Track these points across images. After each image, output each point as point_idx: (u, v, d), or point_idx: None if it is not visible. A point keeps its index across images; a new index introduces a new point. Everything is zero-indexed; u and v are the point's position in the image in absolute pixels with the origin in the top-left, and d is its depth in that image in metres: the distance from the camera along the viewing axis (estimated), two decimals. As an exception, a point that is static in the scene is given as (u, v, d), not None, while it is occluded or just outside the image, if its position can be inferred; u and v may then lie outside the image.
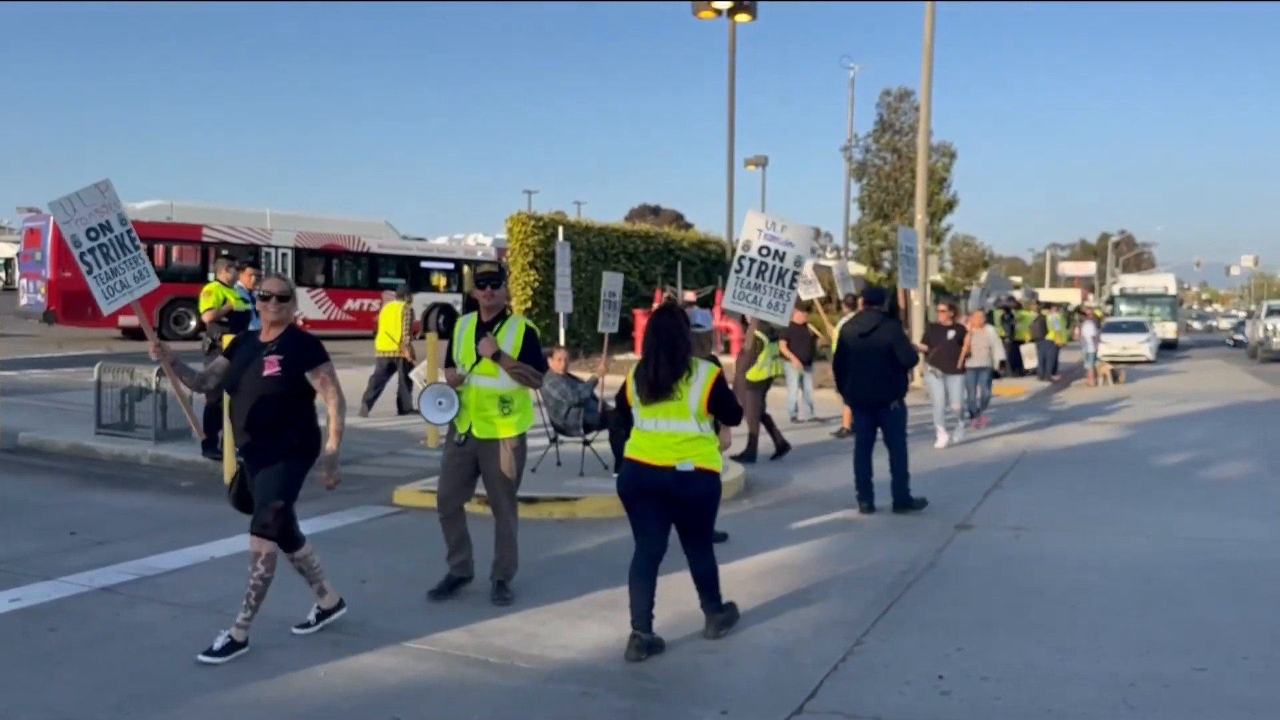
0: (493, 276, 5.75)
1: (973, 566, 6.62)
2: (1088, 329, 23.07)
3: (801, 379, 13.96)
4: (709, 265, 27.30)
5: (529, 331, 5.68)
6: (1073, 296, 62.06)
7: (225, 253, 23.45)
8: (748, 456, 10.36)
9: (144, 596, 5.69)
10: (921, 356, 11.76)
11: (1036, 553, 6.98)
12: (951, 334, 12.33)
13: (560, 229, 20.45)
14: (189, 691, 4.36)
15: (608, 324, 10.52)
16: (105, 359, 11.31)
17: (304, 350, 4.90)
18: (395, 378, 13.31)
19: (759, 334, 10.56)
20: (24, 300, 25.97)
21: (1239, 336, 44.49)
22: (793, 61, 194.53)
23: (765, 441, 10.81)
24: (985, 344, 13.57)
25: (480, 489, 5.79)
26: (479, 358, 5.55)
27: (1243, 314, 68.50)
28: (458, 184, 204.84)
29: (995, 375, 14.25)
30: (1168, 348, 37.39)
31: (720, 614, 5.17)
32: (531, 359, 5.63)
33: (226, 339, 6.49)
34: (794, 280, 6.33)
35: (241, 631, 4.75)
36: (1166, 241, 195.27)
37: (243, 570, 4.84)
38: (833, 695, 4.43)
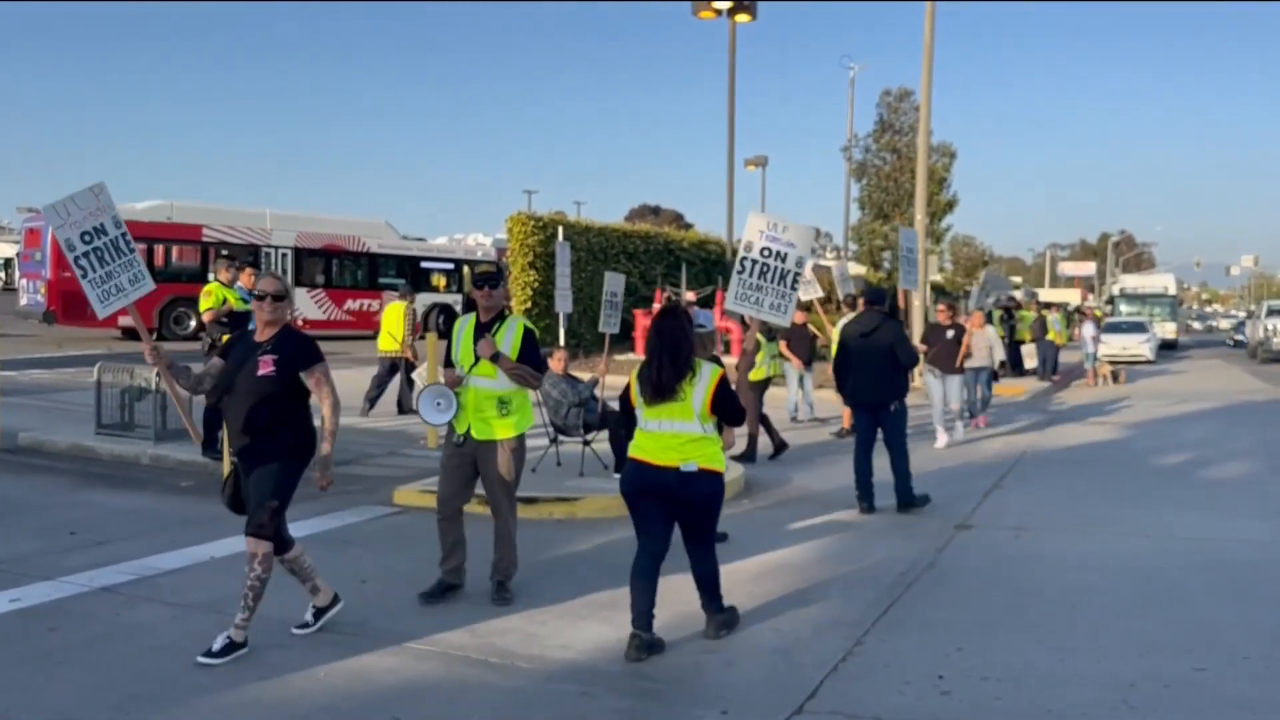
0: (491, 277, 5.74)
1: (973, 566, 6.62)
2: (1088, 329, 23.07)
3: (801, 379, 13.96)
4: (709, 265, 27.31)
5: (527, 332, 5.68)
6: (1072, 297, 62.06)
7: (225, 253, 23.46)
8: (747, 457, 10.36)
9: (144, 596, 5.69)
10: (921, 356, 11.76)
11: (1036, 553, 6.98)
12: (950, 334, 12.33)
13: (560, 229, 20.45)
14: (189, 692, 4.36)
15: (609, 324, 10.52)
16: (105, 359, 11.32)
17: (299, 350, 4.88)
18: (397, 378, 13.31)
19: (756, 334, 10.56)
20: (24, 300, 25.97)
21: (1239, 337, 44.50)
22: (793, 61, 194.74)
23: (764, 441, 10.80)
24: (985, 344, 13.58)
25: (480, 489, 5.79)
26: (477, 359, 5.54)
27: (1243, 314, 68.51)
28: (458, 184, 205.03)
29: (995, 375, 14.24)
30: (1167, 348, 37.39)
31: (721, 614, 5.17)
32: (530, 360, 5.62)
33: (226, 339, 6.48)
34: (796, 281, 6.33)
35: (240, 632, 4.74)
36: (1166, 241, 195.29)
37: (242, 570, 4.83)
38: (833, 695, 4.43)
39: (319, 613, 5.12)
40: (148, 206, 26.94)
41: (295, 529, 7.04)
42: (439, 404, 5.60)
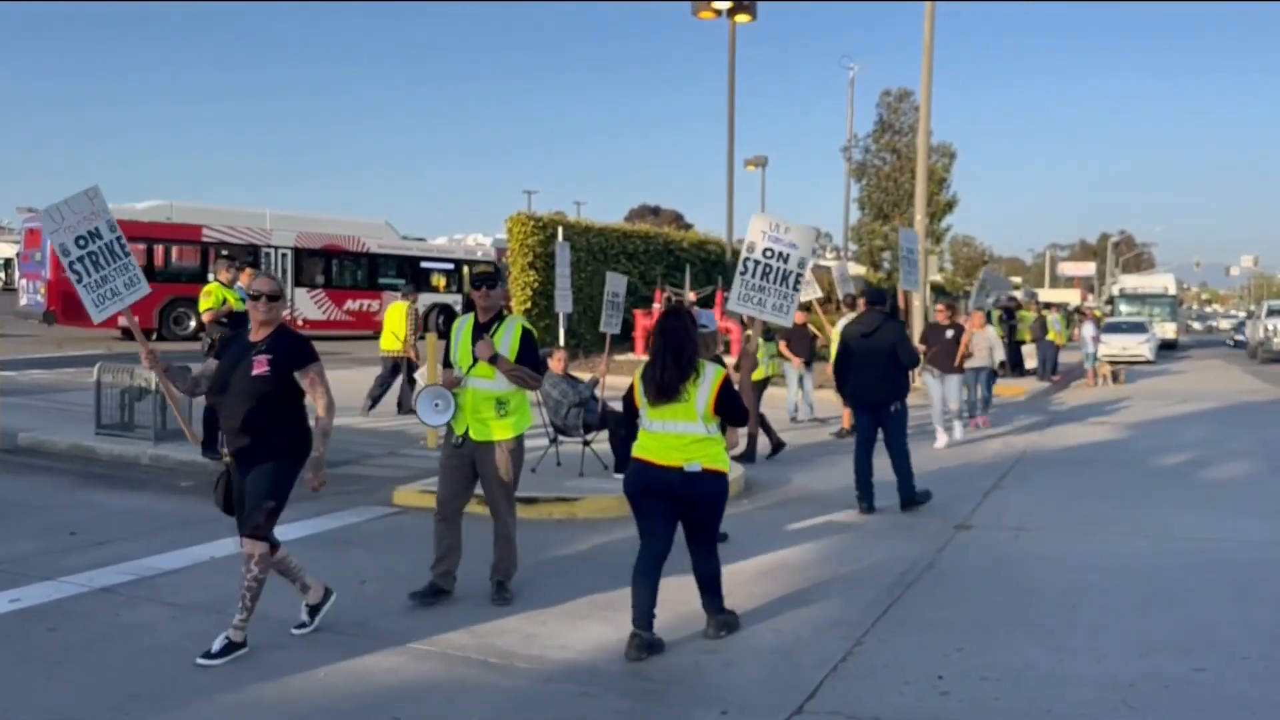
0: (488, 277, 5.73)
1: (973, 567, 6.62)
2: (1087, 329, 23.07)
3: (801, 379, 13.96)
4: (709, 266, 27.30)
5: (526, 333, 5.67)
6: (1072, 297, 62.05)
7: (225, 253, 23.44)
8: (747, 457, 10.36)
9: (144, 597, 5.69)
10: (920, 357, 11.77)
11: (1036, 553, 6.98)
12: (950, 334, 12.34)
13: (560, 229, 20.45)
14: (188, 692, 4.36)
15: (610, 324, 10.52)
16: (105, 359, 11.31)
17: (293, 350, 4.86)
18: (400, 378, 13.32)
19: (752, 333, 10.58)
20: (24, 300, 25.98)
21: (1239, 337, 44.50)
22: (793, 61, 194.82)
23: (763, 441, 10.80)
24: (986, 344, 13.58)
25: (479, 490, 5.79)
26: (475, 360, 5.54)
27: (1243, 314, 68.52)
28: (458, 184, 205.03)
29: (995, 375, 14.24)
30: (1167, 348, 37.40)
31: (722, 615, 5.18)
32: (529, 361, 5.62)
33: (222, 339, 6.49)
34: (798, 282, 6.35)
35: (239, 633, 4.74)
36: (1166, 241, 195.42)
37: (242, 571, 4.83)
38: (832, 695, 4.43)
39: (314, 610, 5.11)
40: (148, 206, 26.94)
41: (295, 529, 7.08)
42: (437, 405, 5.60)
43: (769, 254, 6.31)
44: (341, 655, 4.78)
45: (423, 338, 12.84)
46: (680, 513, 5.02)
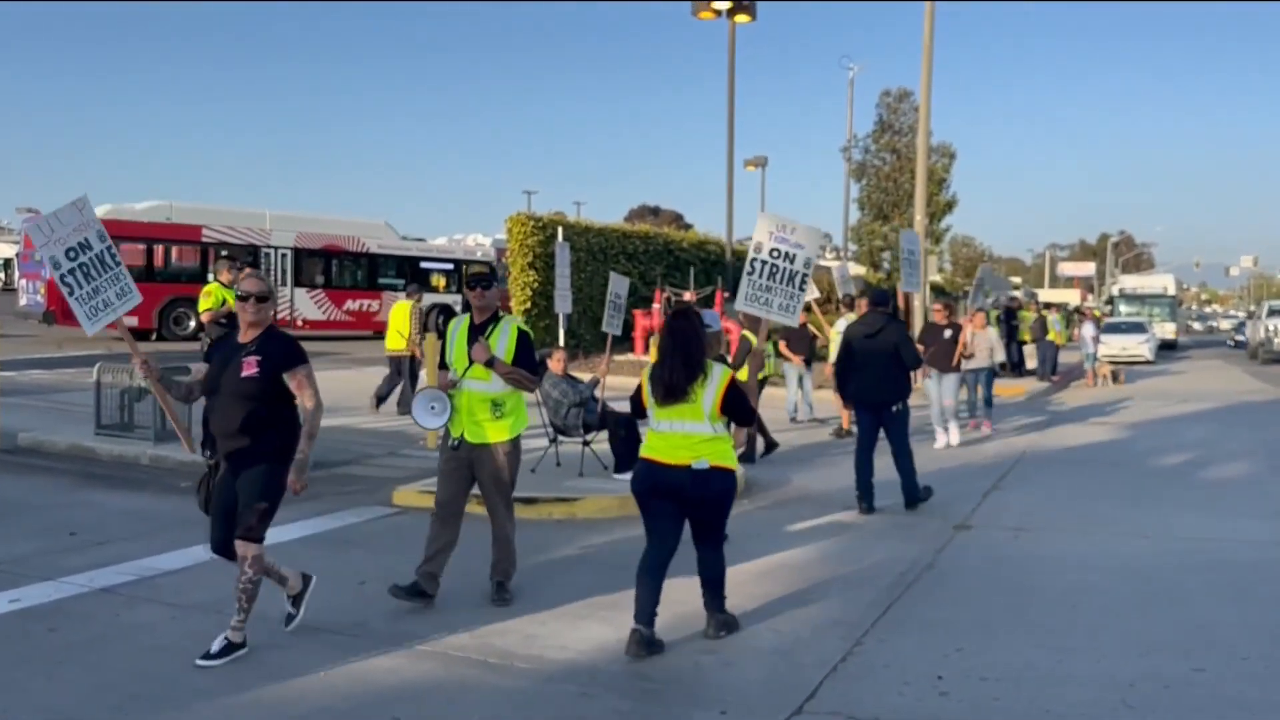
0: (484, 278, 5.71)
1: (972, 567, 6.62)
2: (1087, 329, 23.07)
3: (801, 379, 13.96)
4: (709, 266, 27.28)
5: (522, 334, 5.65)
6: (1072, 297, 62.07)
7: (225, 254, 23.47)
8: (746, 457, 10.36)
9: (143, 597, 5.69)
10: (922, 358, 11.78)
11: (1036, 553, 6.98)
12: (947, 333, 12.36)
13: (560, 229, 20.44)
14: (188, 692, 4.36)
15: (612, 325, 10.52)
16: (105, 359, 11.31)
17: (282, 351, 4.82)
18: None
19: (747, 333, 10.59)
20: (24, 300, 25.99)
21: (1240, 337, 44.49)
22: (792, 62, 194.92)
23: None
24: (986, 345, 13.58)
25: (477, 491, 5.77)
26: (471, 362, 5.52)
27: (1243, 314, 68.51)
28: (458, 184, 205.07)
29: (994, 375, 14.24)
30: (1167, 348, 37.39)
31: (723, 614, 5.19)
32: (525, 363, 5.60)
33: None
34: (804, 282, 6.37)
35: (238, 633, 4.74)
36: (1166, 242, 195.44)
37: (242, 571, 4.83)
38: (832, 696, 4.43)
39: (296, 599, 5.06)
40: (147, 206, 26.94)
41: (295, 529, 7.09)
42: (433, 408, 5.58)
43: (775, 254, 6.32)
44: (341, 655, 4.78)
45: (422, 338, 12.88)
46: (688, 512, 5.04)
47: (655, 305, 21.93)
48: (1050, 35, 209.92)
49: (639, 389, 5.23)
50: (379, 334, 27.92)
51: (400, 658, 4.81)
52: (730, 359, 9.62)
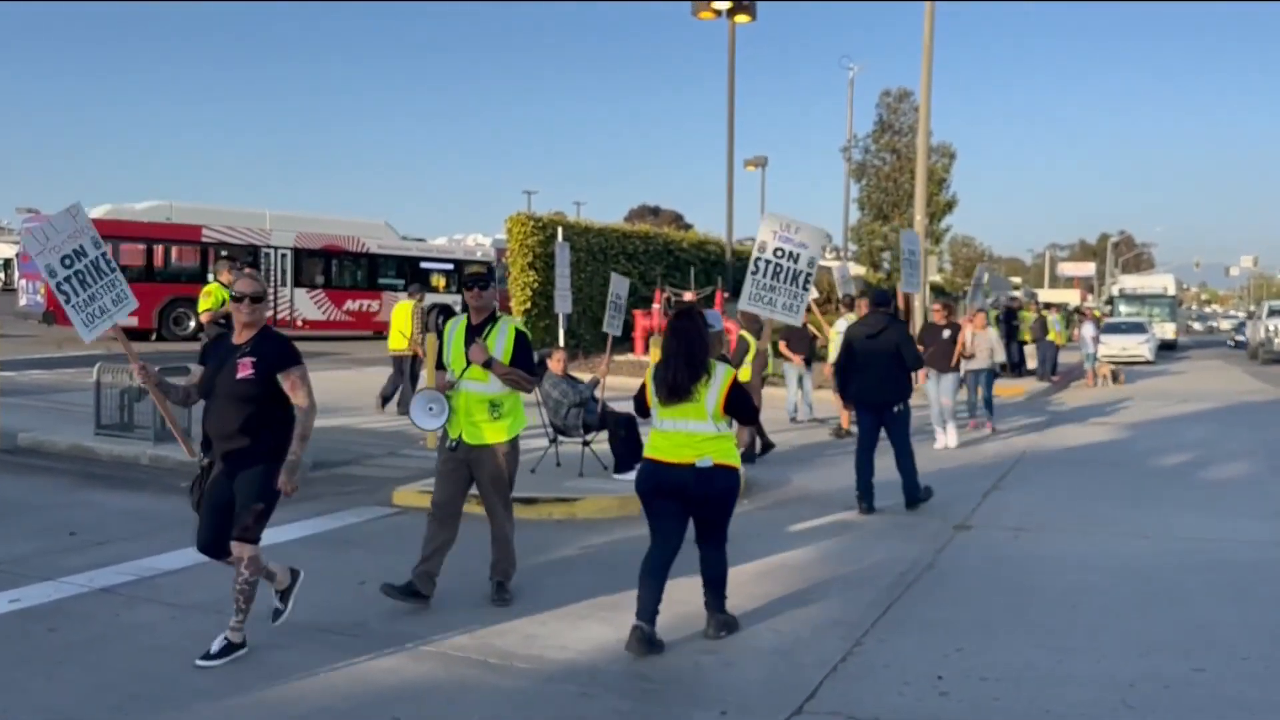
0: (481, 278, 5.70)
1: (972, 567, 6.62)
2: (1087, 329, 23.07)
3: (801, 379, 13.96)
4: (709, 266, 27.29)
5: (519, 335, 5.63)
6: (1072, 297, 62.09)
7: (225, 254, 23.48)
8: (746, 456, 10.35)
9: (143, 597, 5.69)
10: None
11: (1036, 553, 6.98)
12: (946, 333, 12.38)
13: (560, 229, 20.43)
14: (188, 692, 4.36)
15: (612, 325, 10.53)
16: (105, 359, 11.31)
17: (276, 352, 4.81)
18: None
19: (744, 333, 10.59)
20: (23, 300, 26.00)
21: (1240, 338, 44.47)
22: (792, 62, 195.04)
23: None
24: (987, 345, 13.58)
25: (475, 490, 5.76)
26: (468, 363, 5.51)
27: (1243, 315, 68.50)
28: (458, 184, 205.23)
29: (995, 376, 14.24)
30: (1167, 348, 37.39)
31: (723, 615, 5.19)
32: (523, 363, 5.58)
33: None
34: (808, 281, 6.38)
35: (237, 633, 4.74)
36: (1166, 242, 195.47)
37: (242, 571, 4.83)
38: (832, 696, 4.43)
39: (284, 595, 5.04)
40: (147, 207, 26.95)
41: (294, 529, 7.09)
42: (431, 409, 5.56)
43: (780, 253, 6.33)
44: (341, 655, 4.78)
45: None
46: (691, 511, 5.05)
47: (655, 305, 21.92)
48: (1050, 35, 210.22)
49: (642, 388, 5.25)
50: (379, 334, 28.03)
51: (400, 658, 4.81)
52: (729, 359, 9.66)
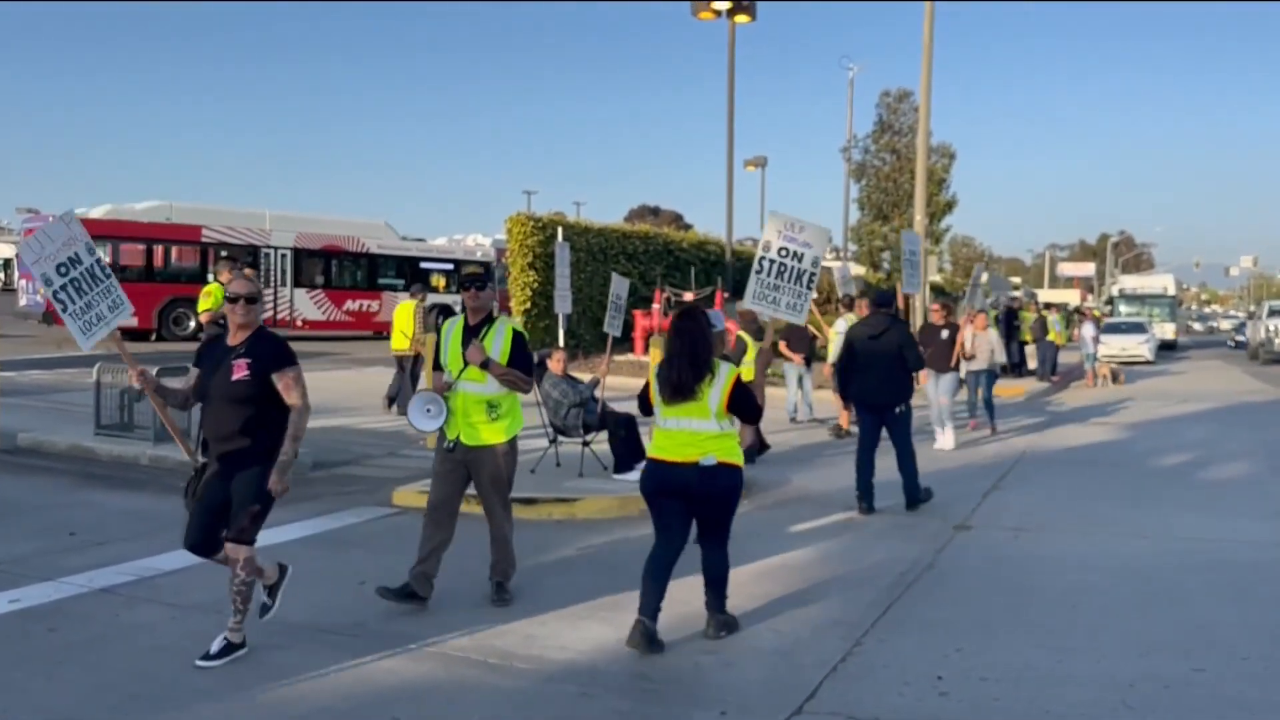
0: (477, 278, 5.68)
1: (972, 567, 6.62)
2: (1087, 330, 23.06)
3: (800, 379, 13.96)
4: (709, 266, 27.29)
5: (517, 336, 5.62)
6: (1072, 297, 62.08)
7: (225, 254, 23.48)
8: (746, 456, 10.35)
9: (143, 597, 5.69)
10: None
11: (1036, 553, 6.98)
12: (945, 334, 12.39)
13: (559, 229, 20.43)
14: (188, 692, 4.36)
15: (612, 326, 10.53)
16: (104, 359, 11.30)
17: (271, 352, 4.80)
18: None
19: (742, 334, 10.58)
20: (23, 301, 26.00)
21: (1240, 338, 44.45)
22: (792, 62, 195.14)
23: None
24: (988, 346, 13.58)
25: (472, 490, 5.75)
26: (466, 364, 5.50)
27: (1243, 315, 68.50)
28: (457, 184, 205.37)
29: (995, 377, 14.23)
30: (1167, 348, 37.38)
31: (723, 615, 5.19)
32: (520, 364, 5.57)
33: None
34: (811, 281, 6.38)
35: (236, 634, 4.74)
36: (1166, 242, 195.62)
37: (242, 571, 4.83)
38: (832, 696, 4.43)
39: (271, 590, 5.03)
40: (147, 207, 26.95)
41: (294, 529, 7.09)
42: (429, 410, 5.55)
43: (784, 253, 6.34)
44: (341, 655, 4.78)
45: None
46: (695, 510, 5.06)
47: (655, 305, 21.92)
48: (1050, 35, 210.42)
49: (646, 387, 5.28)
50: (379, 334, 28.05)
51: (400, 658, 4.81)
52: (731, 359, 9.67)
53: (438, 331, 5.87)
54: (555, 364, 9.38)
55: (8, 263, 51.66)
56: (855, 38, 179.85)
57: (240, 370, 4.70)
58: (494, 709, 4.29)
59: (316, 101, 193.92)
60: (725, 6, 22.48)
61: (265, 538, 4.91)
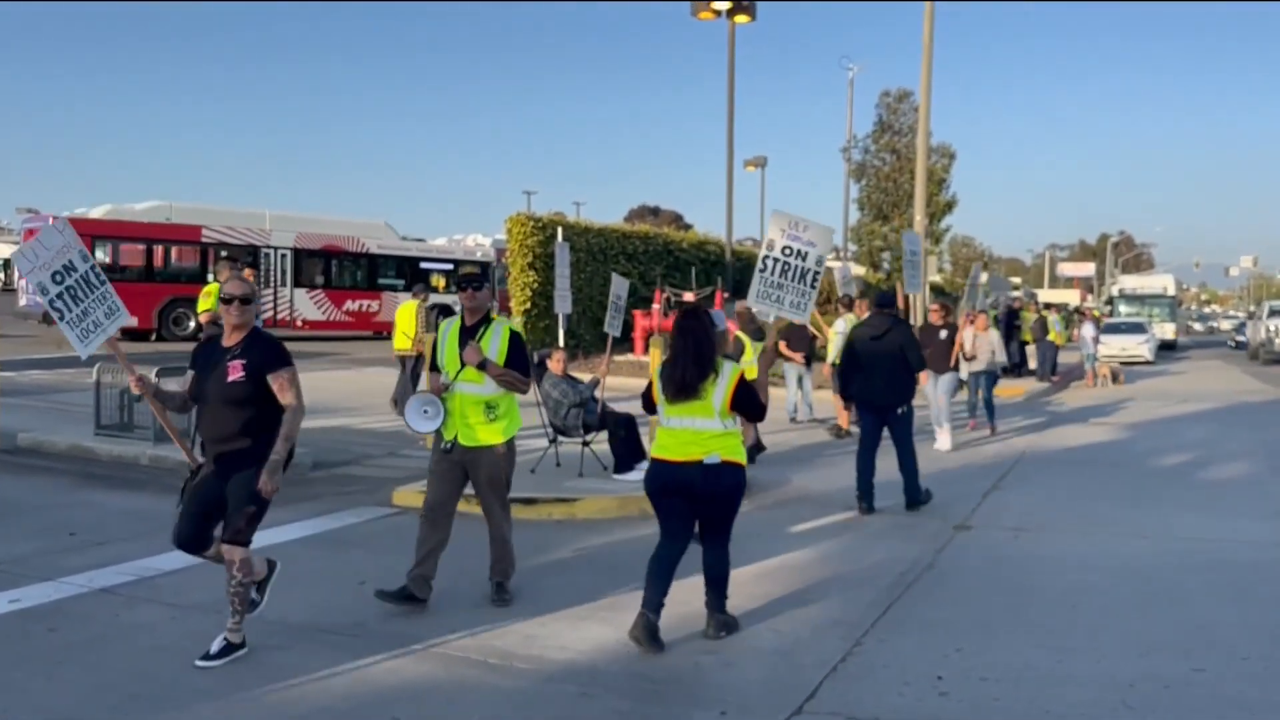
0: (474, 278, 5.66)
1: (972, 567, 6.62)
2: (1087, 330, 23.07)
3: (800, 379, 13.96)
4: (709, 266, 27.30)
5: (514, 336, 5.61)
6: (1072, 297, 62.09)
7: (225, 254, 23.47)
8: (750, 454, 10.35)
9: (143, 597, 5.69)
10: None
11: (1036, 553, 6.98)
12: (943, 334, 12.39)
13: (559, 229, 20.43)
14: (188, 692, 4.36)
15: (612, 326, 10.54)
16: (104, 359, 11.30)
17: (266, 353, 4.79)
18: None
19: (740, 334, 10.59)
20: (23, 301, 25.98)
21: (1240, 338, 44.44)
22: (792, 62, 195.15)
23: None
24: (989, 347, 13.58)
25: (470, 490, 5.74)
26: (463, 365, 5.49)
27: (1243, 315, 68.49)
28: (457, 184, 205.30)
29: (995, 378, 14.23)
30: (1167, 348, 37.38)
31: (723, 615, 5.20)
32: (518, 365, 5.56)
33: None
34: (815, 280, 6.38)
35: (236, 634, 4.74)
36: (1166, 242, 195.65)
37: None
38: (832, 696, 4.43)
39: (260, 585, 5.01)
40: (147, 207, 26.96)
41: (294, 529, 7.09)
42: (426, 411, 5.54)
43: (788, 252, 6.34)
44: (340, 656, 4.78)
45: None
46: (698, 509, 5.07)
47: (655, 305, 21.91)
48: (1050, 35, 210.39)
49: (649, 386, 5.29)
50: (379, 334, 28.07)
51: (400, 658, 4.81)
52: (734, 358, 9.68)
53: (435, 330, 5.86)
54: (555, 364, 9.37)
55: (7, 263, 51.66)
56: (855, 38, 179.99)
57: (235, 371, 4.70)
58: (494, 709, 4.29)
59: (316, 101, 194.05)
60: (725, 6, 22.49)
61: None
